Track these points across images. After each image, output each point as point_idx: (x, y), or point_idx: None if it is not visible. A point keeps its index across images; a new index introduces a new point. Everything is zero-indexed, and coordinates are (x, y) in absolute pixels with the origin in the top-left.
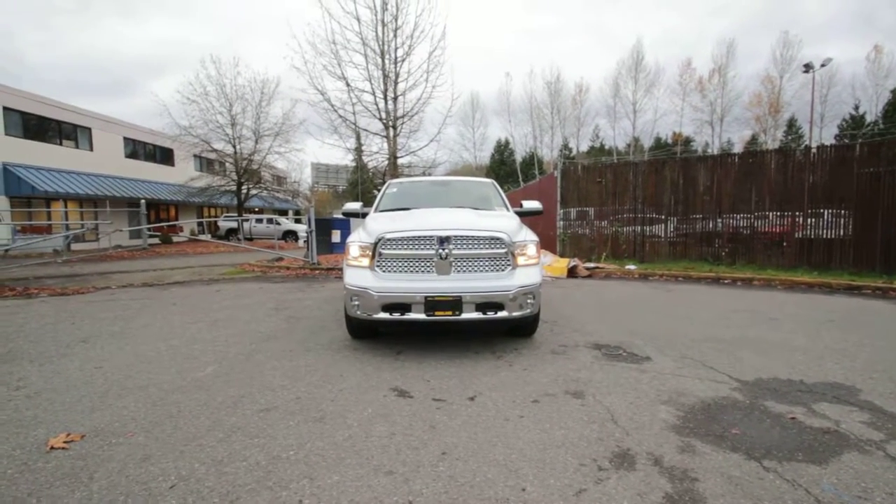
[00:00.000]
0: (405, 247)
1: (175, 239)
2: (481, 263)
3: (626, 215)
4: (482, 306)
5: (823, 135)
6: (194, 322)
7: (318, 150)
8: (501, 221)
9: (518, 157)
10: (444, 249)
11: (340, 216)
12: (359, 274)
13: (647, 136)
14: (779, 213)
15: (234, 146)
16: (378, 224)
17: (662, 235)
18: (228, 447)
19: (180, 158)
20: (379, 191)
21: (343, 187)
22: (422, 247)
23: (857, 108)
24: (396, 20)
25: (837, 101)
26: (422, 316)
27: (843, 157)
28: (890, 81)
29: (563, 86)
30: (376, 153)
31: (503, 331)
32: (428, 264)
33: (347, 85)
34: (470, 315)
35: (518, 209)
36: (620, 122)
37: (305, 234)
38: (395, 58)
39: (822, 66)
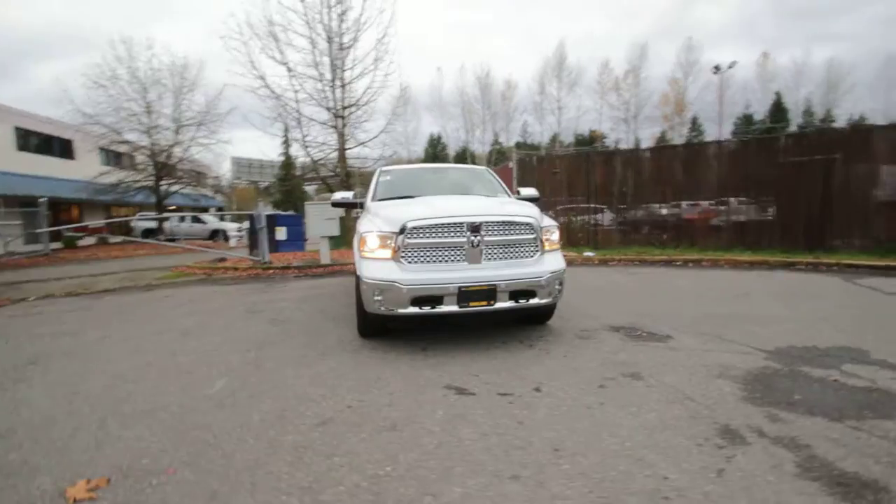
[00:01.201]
0: (433, 235)
1: (81, 242)
2: (512, 250)
3: (580, 205)
4: (515, 294)
5: (723, 132)
6: (160, 333)
7: (242, 143)
8: (525, 207)
9: (451, 152)
10: (475, 236)
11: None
12: (380, 266)
13: (571, 133)
14: (713, 200)
15: (151, 137)
16: (396, 211)
17: (613, 223)
18: (307, 471)
19: (84, 151)
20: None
21: (268, 182)
22: (451, 234)
23: (748, 107)
24: (342, 2)
25: (731, 101)
26: (454, 308)
27: (770, 149)
28: (774, 84)
29: (492, 81)
30: (322, 144)
31: (512, 319)
32: (458, 253)
33: (289, 70)
34: (504, 304)
35: (517, 196)
36: (546, 118)
37: (238, 233)
38: (342, 44)
39: (729, 67)
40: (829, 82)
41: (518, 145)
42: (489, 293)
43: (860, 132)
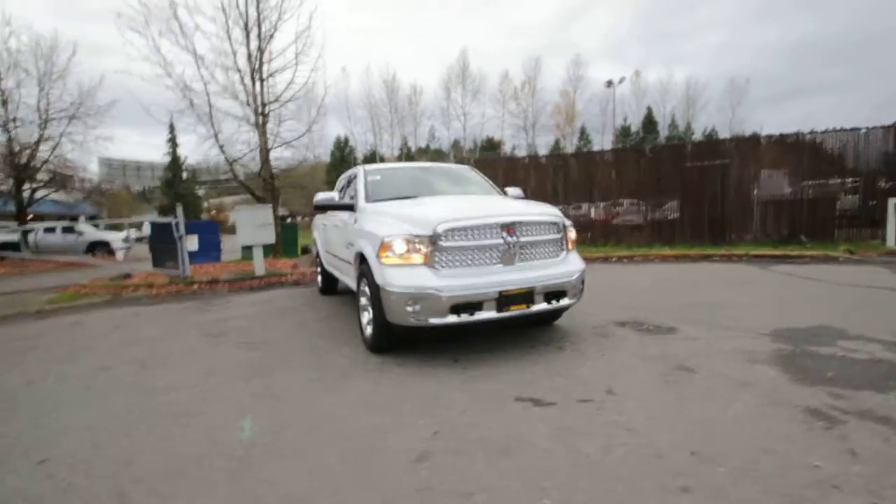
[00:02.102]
0: (469, 237)
1: None
2: (541, 250)
3: None
4: (549, 295)
5: (605, 141)
6: (107, 368)
7: (123, 144)
8: (548, 206)
9: (359, 155)
10: (511, 237)
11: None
12: (412, 273)
13: (478, 138)
14: (634, 201)
15: (8, 132)
16: (419, 212)
17: None
18: None
19: None
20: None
21: (149, 186)
22: (487, 236)
23: (625, 119)
24: None
25: (612, 114)
26: (493, 314)
27: (678, 155)
28: (646, 99)
29: (399, 85)
30: (244, 143)
31: (519, 323)
32: (493, 255)
33: (196, 56)
34: (539, 306)
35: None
36: (453, 123)
37: (124, 245)
38: (261, 33)
39: (620, 82)
40: (689, 98)
41: (425, 150)
42: (527, 296)
43: (748, 141)
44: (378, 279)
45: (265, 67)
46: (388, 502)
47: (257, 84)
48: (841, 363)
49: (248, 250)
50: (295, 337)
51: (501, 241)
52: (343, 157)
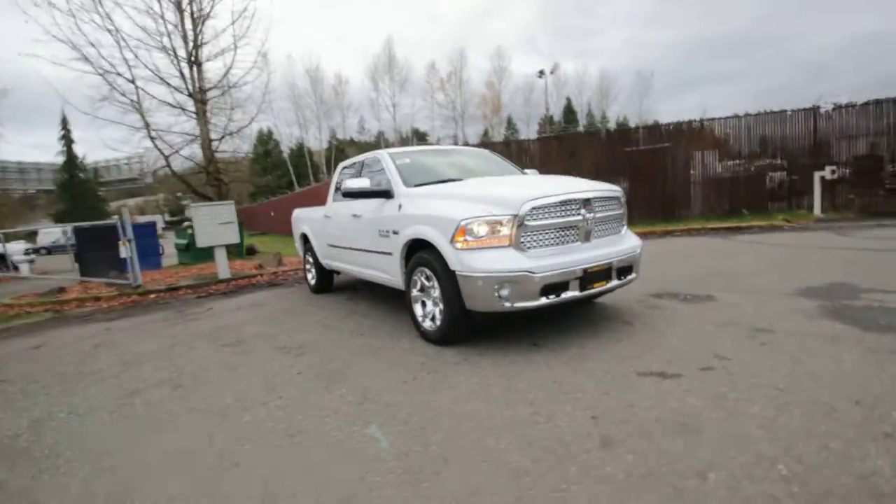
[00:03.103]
0: (553, 215)
1: None
2: (610, 226)
3: None
4: (620, 271)
5: (530, 131)
6: (135, 392)
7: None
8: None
9: (285, 149)
10: (589, 213)
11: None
12: (498, 256)
13: (409, 130)
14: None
15: None
16: (495, 192)
17: None
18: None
19: None
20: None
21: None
22: (569, 213)
23: (547, 109)
24: None
25: (536, 104)
26: (577, 293)
27: (628, 139)
28: (566, 90)
29: (323, 75)
30: (185, 134)
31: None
32: (573, 232)
33: (120, 38)
34: (614, 282)
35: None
36: (382, 114)
37: (27, 257)
38: (195, 13)
39: (552, 73)
40: (602, 90)
41: (353, 142)
42: (607, 272)
43: (688, 126)
44: (454, 265)
45: (202, 51)
46: (623, 491)
47: (195, 69)
48: (884, 312)
49: (185, 254)
50: (332, 339)
51: (581, 217)
52: (268, 152)
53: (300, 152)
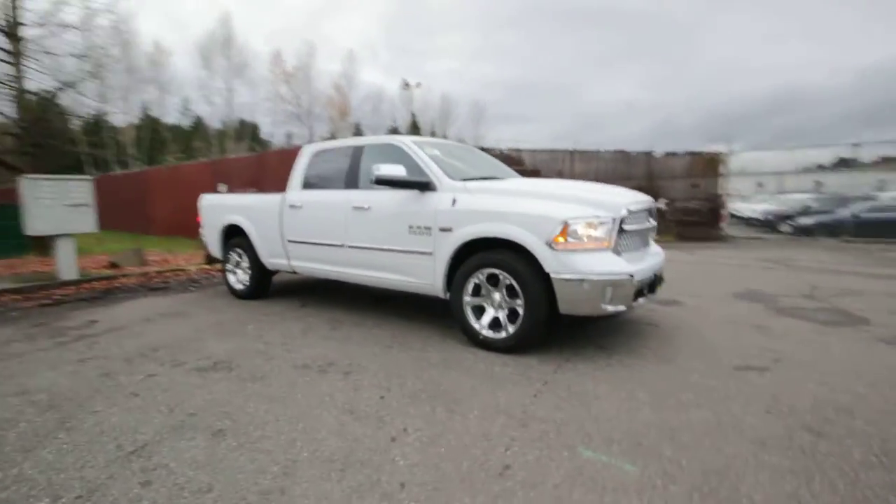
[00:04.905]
0: (637, 220)
1: None
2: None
3: None
4: (657, 279)
5: None
6: (191, 429)
7: None
8: None
9: (76, 121)
10: (651, 221)
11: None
12: (601, 258)
13: (248, 118)
14: None
15: None
16: (600, 192)
17: None
18: None
19: None
20: None
21: None
22: (644, 219)
23: (394, 121)
24: None
25: (384, 115)
26: (643, 299)
27: (512, 161)
28: (411, 106)
29: (137, 38)
30: None
31: None
32: (641, 239)
33: None
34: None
35: None
36: (214, 99)
37: None
38: None
39: (417, 85)
40: (444, 112)
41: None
42: (659, 279)
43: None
44: (552, 266)
45: None
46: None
47: None
48: (827, 311)
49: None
50: (366, 352)
51: (650, 224)
52: (46, 119)
53: (97, 128)
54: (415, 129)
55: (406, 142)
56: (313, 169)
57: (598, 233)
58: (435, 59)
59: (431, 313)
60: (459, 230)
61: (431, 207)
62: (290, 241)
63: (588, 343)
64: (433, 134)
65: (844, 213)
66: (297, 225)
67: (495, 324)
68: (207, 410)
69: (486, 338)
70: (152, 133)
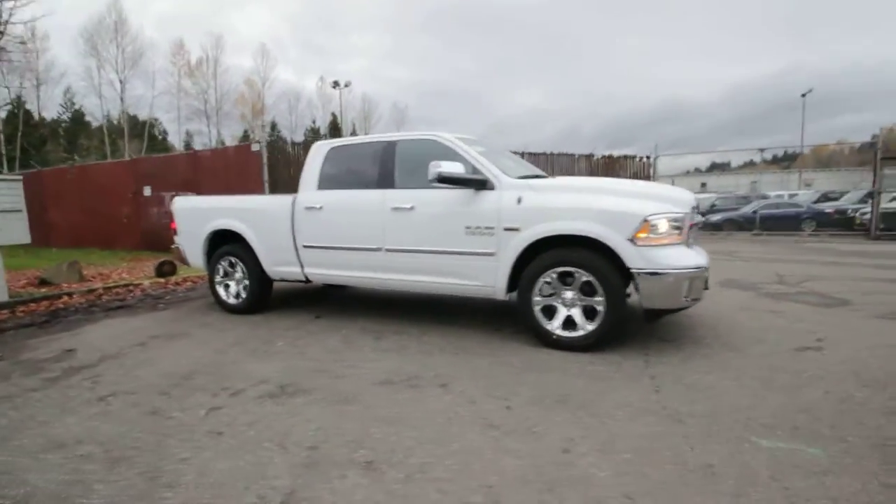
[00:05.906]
0: (694, 216)
1: None
2: None
3: None
4: None
5: (296, 139)
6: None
7: None
8: None
9: None
10: (699, 216)
11: None
12: (680, 253)
13: (144, 113)
14: None
15: None
16: (668, 189)
17: None
18: None
19: None
20: None
21: None
22: (696, 216)
23: (314, 121)
24: None
25: (301, 114)
26: (706, 291)
27: None
28: (331, 105)
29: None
30: None
31: None
32: (696, 233)
33: None
34: None
35: None
36: (105, 90)
37: None
38: None
39: (346, 85)
40: (365, 112)
41: (56, 121)
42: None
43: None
44: (635, 262)
45: None
46: None
47: None
48: (811, 296)
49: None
50: (444, 362)
51: (700, 219)
52: None
53: None
54: (335, 129)
55: (450, 138)
56: (331, 167)
57: (675, 228)
58: (346, 60)
59: (464, 316)
60: (529, 229)
61: (493, 206)
62: (305, 247)
63: (649, 337)
64: (354, 133)
65: (747, 210)
66: (315, 229)
67: (568, 323)
68: (327, 442)
69: (559, 337)
70: (25, 126)
